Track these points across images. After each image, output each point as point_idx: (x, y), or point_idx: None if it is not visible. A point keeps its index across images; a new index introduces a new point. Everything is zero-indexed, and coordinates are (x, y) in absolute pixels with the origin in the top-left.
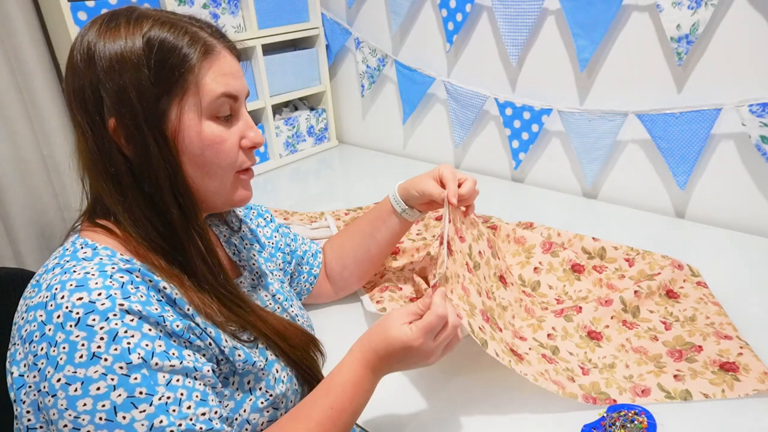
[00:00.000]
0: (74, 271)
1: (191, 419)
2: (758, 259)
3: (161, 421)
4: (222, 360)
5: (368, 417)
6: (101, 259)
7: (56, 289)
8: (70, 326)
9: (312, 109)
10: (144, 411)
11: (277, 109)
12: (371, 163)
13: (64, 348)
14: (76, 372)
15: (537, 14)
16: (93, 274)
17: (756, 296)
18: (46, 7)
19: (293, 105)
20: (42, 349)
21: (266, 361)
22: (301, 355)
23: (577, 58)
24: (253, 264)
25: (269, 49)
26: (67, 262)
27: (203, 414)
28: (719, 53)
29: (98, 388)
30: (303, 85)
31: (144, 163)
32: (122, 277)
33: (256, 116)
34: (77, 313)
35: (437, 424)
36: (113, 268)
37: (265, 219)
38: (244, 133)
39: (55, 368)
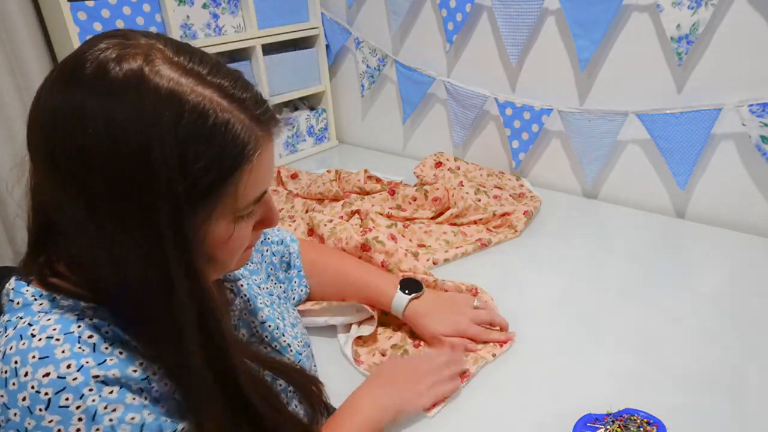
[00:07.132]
0: (32, 335)
1: None
2: (758, 259)
3: None
4: None
5: None
6: (62, 313)
7: (16, 362)
8: (40, 410)
9: (312, 109)
10: None
11: (277, 109)
12: (371, 163)
13: None
14: None
15: (537, 14)
16: (57, 339)
17: (756, 296)
18: (46, 7)
19: (293, 105)
20: None
21: None
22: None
23: (577, 58)
24: (242, 285)
25: (269, 49)
26: (20, 319)
27: None
28: (719, 53)
29: None
30: (303, 85)
31: (163, 293)
32: (91, 336)
33: None
34: (46, 394)
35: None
36: (79, 326)
37: None
38: (263, 216)
39: None
